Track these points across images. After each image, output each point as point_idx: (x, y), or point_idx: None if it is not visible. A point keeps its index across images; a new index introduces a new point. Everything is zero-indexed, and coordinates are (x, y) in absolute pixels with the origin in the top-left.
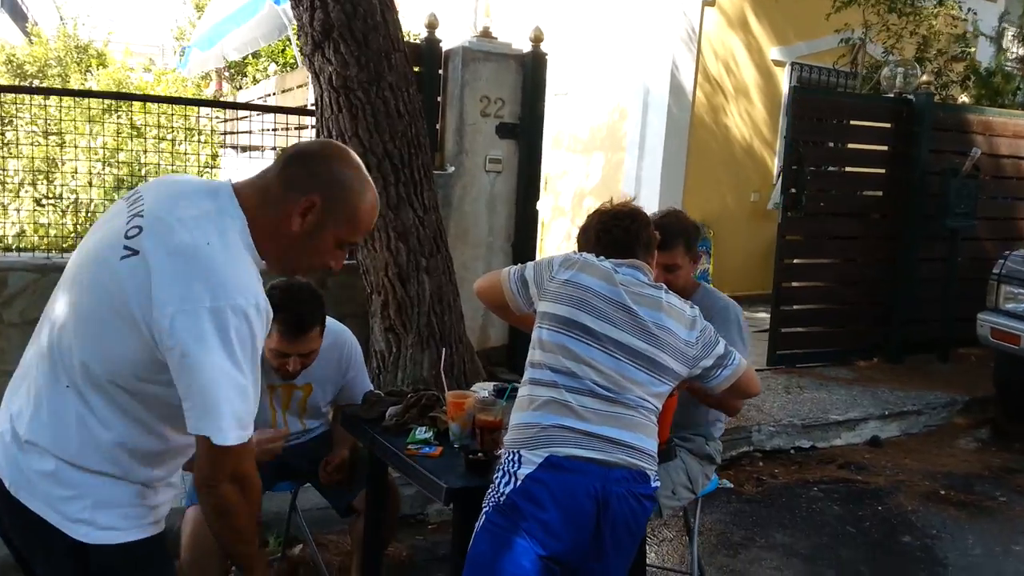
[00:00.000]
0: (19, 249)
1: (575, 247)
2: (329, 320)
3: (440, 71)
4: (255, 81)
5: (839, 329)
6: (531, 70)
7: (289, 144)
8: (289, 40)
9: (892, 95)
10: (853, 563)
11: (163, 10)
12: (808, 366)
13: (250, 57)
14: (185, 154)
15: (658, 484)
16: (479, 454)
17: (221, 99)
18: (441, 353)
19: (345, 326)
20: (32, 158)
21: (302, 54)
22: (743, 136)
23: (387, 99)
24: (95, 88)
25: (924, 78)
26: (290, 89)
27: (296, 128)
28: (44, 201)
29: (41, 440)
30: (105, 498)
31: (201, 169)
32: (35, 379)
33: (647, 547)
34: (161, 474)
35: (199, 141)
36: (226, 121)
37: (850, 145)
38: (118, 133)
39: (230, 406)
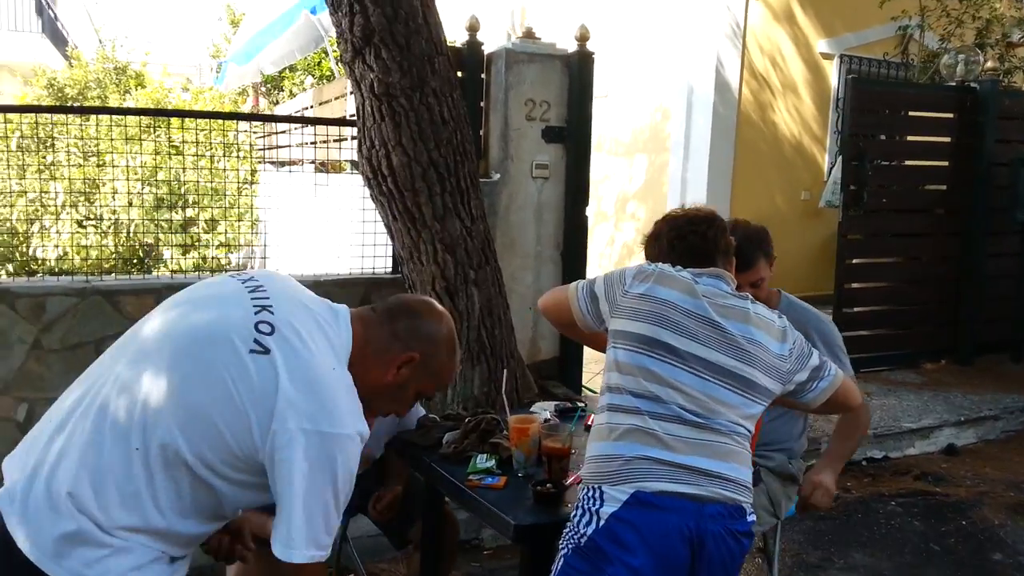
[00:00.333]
0: (60, 272)
1: (623, 255)
2: None
3: (482, 75)
4: (292, 95)
5: (904, 331)
6: (577, 71)
7: (329, 159)
8: (326, 52)
9: (954, 84)
10: None
11: (200, 29)
12: (873, 370)
13: (287, 71)
14: (224, 171)
15: (754, 518)
16: (547, 485)
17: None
18: (503, 374)
19: None
20: (71, 179)
21: (341, 62)
22: (792, 133)
23: (431, 105)
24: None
25: (988, 64)
26: (327, 101)
27: (336, 140)
28: (85, 222)
29: (83, 495)
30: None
31: (240, 185)
32: (85, 435)
33: None
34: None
35: (238, 157)
36: (265, 136)
37: (911, 138)
38: (156, 152)
39: (304, 530)
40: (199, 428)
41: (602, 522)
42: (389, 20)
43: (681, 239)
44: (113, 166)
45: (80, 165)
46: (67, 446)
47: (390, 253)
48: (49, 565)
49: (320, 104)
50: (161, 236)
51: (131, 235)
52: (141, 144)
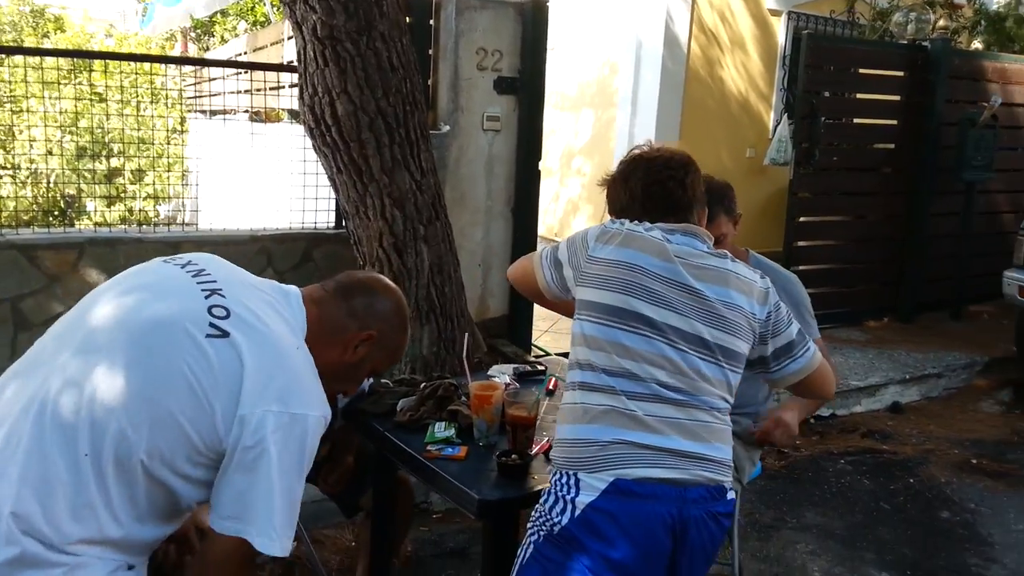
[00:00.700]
0: None
1: (568, 211)
2: None
3: (431, 21)
4: (223, 41)
5: (849, 289)
6: (531, 19)
7: (265, 108)
8: None
9: (904, 42)
10: (894, 544)
11: None
12: (819, 328)
13: (219, 15)
14: (152, 117)
15: (734, 495)
16: (513, 456)
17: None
18: (465, 337)
19: None
20: None
21: (281, 2)
22: (739, 90)
23: (379, 51)
24: None
25: (940, 23)
26: (263, 47)
27: (273, 88)
28: (1, 172)
29: (28, 513)
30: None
31: (169, 134)
32: (27, 438)
33: None
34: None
35: (167, 104)
36: (196, 84)
37: (861, 96)
38: (78, 99)
39: (281, 517)
40: (157, 425)
41: (578, 512)
42: None
43: (659, 184)
44: (30, 112)
45: None
46: (4, 456)
47: (333, 207)
48: None
49: (255, 51)
50: (84, 187)
51: (51, 186)
52: (60, 89)
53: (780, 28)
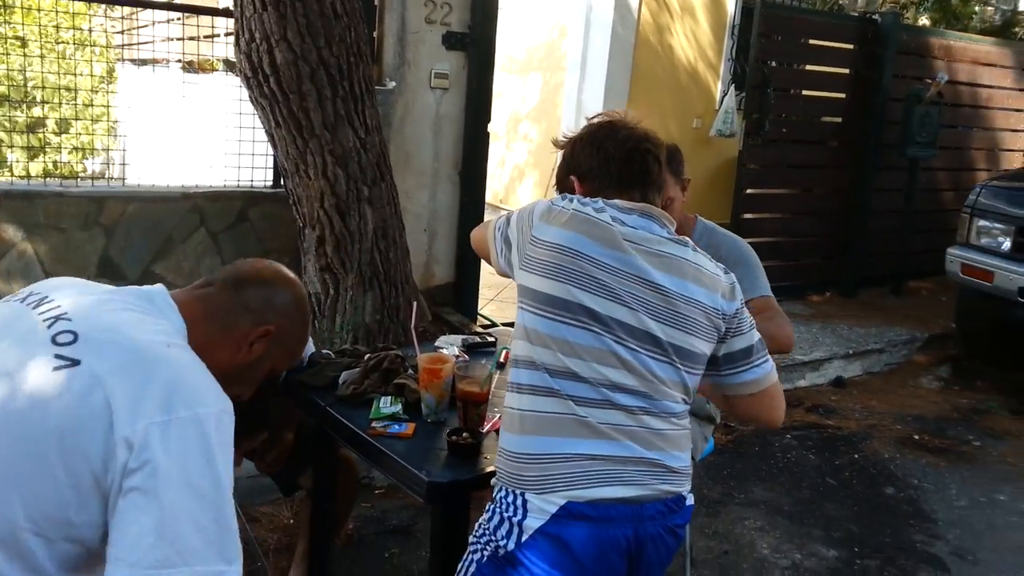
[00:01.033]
0: None
1: (514, 176)
2: None
3: None
4: None
5: (794, 263)
6: None
7: (199, 57)
8: None
9: (856, 15)
10: (840, 520)
11: None
12: None
13: None
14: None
15: (692, 500)
16: (464, 435)
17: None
18: (412, 306)
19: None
20: None
21: None
22: (688, 59)
23: None
24: None
25: None
26: None
27: (208, 37)
28: None
29: None
30: None
31: (96, 84)
32: None
33: None
34: None
35: (92, 51)
36: (123, 32)
37: (811, 67)
38: None
39: (205, 536)
40: (27, 489)
41: (525, 536)
42: None
43: (640, 153)
44: None
45: None
46: None
47: (271, 164)
48: None
49: None
50: (3, 136)
51: None
52: None
53: None
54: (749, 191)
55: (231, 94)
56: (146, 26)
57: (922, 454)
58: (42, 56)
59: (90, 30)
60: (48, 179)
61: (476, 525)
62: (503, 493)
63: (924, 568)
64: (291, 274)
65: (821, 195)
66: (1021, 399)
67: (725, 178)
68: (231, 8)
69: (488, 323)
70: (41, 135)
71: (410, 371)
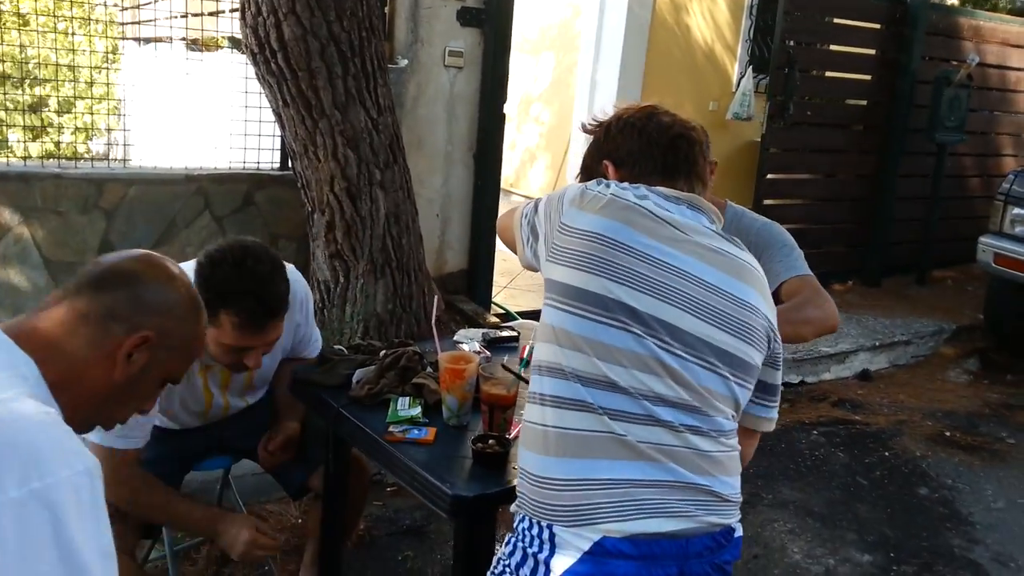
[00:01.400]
0: None
1: (525, 160)
2: None
3: None
4: None
5: (816, 251)
6: None
7: (203, 34)
8: None
9: None
10: (873, 523)
11: None
12: None
13: None
14: (79, 41)
15: (741, 532)
16: (490, 442)
17: None
18: (435, 300)
19: (291, 265)
20: None
21: None
22: (704, 39)
23: None
24: None
25: None
26: None
27: (212, 13)
28: None
29: None
30: None
31: (100, 63)
32: None
33: None
34: None
35: (96, 28)
36: (124, 10)
37: (836, 48)
38: None
39: None
40: None
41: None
42: None
43: (686, 140)
44: None
45: None
46: None
47: (279, 145)
48: None
49: None
50: (4, 116)
51: None
52: None
53: None
54: (770, 176)
55: (237, 72)
56: (149, 3)
57: (954, 452)
58: (43, 34)
59: (92, 7)
60: (47, 160)
61: (495, 560)
62: (526, 524)
63: (964, 575)
64: (165, 261)
65: (845, 181)
66: None
67: (741, 162)
68: None
69: (502, 311)
70: (44, 116)
71: (428, 368)
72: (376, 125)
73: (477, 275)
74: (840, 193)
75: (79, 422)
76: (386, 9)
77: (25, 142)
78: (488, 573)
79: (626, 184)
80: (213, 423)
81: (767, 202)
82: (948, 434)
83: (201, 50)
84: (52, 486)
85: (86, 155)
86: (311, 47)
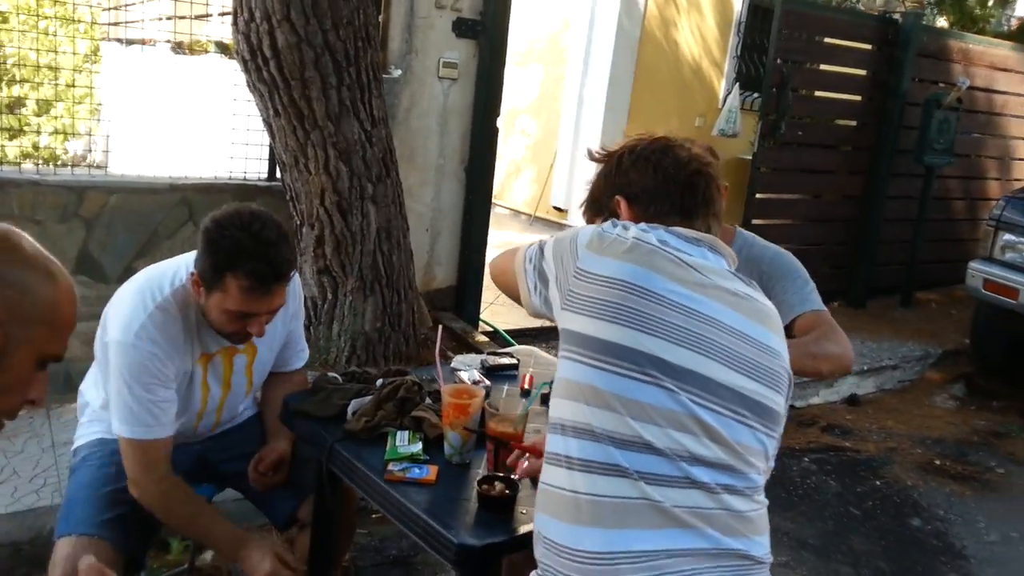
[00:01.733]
0: None
1: (510, 172)
2: None
3: None
4: None
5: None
6: None
7: (190, 37)
8: None
9: (876, 14)
10: (868, 556)
11: None
12: None
13: None
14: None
15: None
16: (497, 484)
17: None
18: (439, 329)
19: None
20: None
21: None
22: (692, 55)
23: None
24: None
25: None
26: None
27: (200, 17)
28: None
29: None
30: None
31: (80, 64)
32: None
33: None
34: None
35: (77, 27)
36: (108, 10)
37: (827, 67)
38: None
39: None
40: None
41: None
42: None
43: (704, 178)
44: None
45: None
46: None
47: (267, 156)
48: None
49: None
50: None
51: None
52: None
53: None
54: (757, 195)
55: (226, 77)
56: (134, 3)
57: (945, 481)
58: (23, 32)
59: (75, 6)
60: (24, 165)
61: None
62: None
63: None
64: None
65: (833, 201)
66: None
67: (727, 179)
68: None
69: (490, 329)
70: (22, 116)
71: (428, 400)
72: (369, 137)
73: (466, 292)
74: (828, 214)
75: None
76: (381, 18)
77: (2, 145)
78: None
79: (644, 225)
80: (200, 442)
81: (756, 221)
82: (938, 462)
83: (186, 54)
84: None
85: (64, 157)
86: (305, 56)
